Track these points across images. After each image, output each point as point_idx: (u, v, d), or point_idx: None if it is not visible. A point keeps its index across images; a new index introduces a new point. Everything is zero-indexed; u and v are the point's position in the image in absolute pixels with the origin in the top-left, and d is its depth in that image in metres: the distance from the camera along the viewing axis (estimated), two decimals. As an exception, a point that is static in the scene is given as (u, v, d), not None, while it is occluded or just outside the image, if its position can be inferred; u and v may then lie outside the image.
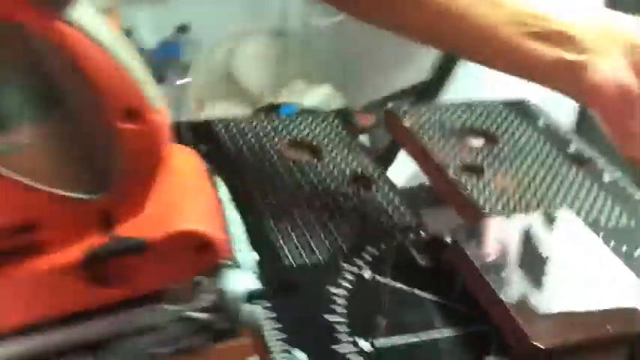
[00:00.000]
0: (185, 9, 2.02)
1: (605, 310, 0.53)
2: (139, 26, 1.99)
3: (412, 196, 0.75)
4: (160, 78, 2.08)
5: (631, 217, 0.69)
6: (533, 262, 0.56)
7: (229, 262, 0.47)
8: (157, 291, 0.46)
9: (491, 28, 0.60)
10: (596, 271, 0.56)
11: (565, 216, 0.61)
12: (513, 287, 0.54)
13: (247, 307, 0.47)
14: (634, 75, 0.60)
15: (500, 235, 0.59)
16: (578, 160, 0.76)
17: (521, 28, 0.60)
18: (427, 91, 1.27)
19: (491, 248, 0.57)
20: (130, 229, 0.45)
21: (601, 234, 0.66)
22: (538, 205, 0.68)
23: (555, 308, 0.53)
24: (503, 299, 0.52)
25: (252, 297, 0.47)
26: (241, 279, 0.47)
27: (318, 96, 1.54)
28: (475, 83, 1.12)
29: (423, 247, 0.61)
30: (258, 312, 0.48)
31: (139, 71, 0.43)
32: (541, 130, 0.80)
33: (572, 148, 0.78)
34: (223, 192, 0.53)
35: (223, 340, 0.47)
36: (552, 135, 0.80)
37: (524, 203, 0.69)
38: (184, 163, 0.51)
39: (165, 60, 2.05)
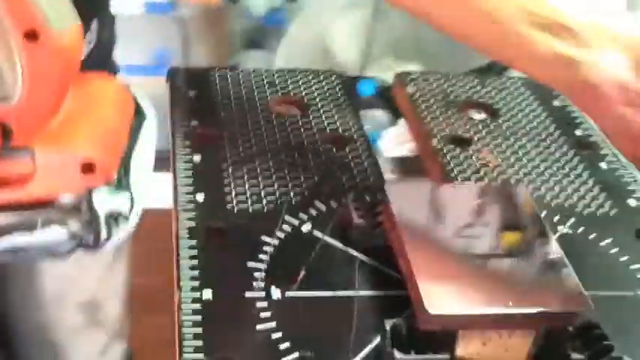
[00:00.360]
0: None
1: (521, 289, 0.50)
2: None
3: (397, 162, 0.73)
4: (261, 45, 2.11)
5: (614, 206, 0.65)
6: (459, 232, 0.54)
7: (113, 187, 0.48)
8: (45, 199, 0.48)
9: (492, 13, 0.57)
10: (525, 249, 0.53)
11: (518, 191, 0.58)
12: (429, 253, 0.52)
13: (114, 230, 0.48)
14: (636, 74, 0.55)
15: (438, 200, 0.57)
16: (581, 144, 0.72)
17: (522, 15, 0.56)
18: (494, 67, 1.24)
19: (423, 212, 0.55)
20: (25, 140, 0.47)
21: (572, 219, 0.63)
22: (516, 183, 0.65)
23: (467, 280, 0.50)
24: (413, 263, 0.51)
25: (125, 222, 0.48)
26: (119, 204, 0.48)
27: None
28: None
29: (366, 208, 0.59)
30: (122, 236, 0.49)
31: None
32: (551, 110, 0.76)
33: (578, 132, 0.74)
34: (148, 133, 0.55)
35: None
36: (562, 116, 0.76)
37: (499, 180, 0.66)
38: (108, 95, 0.54)
39: (270, 28, 2.07)
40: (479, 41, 0.60)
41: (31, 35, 0.46)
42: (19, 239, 0.51)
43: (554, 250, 0.53)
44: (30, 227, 0.50)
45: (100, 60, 0.82)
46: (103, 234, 0.52)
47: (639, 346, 0.53)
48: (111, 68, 0.90)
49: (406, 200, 0.56)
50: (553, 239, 0.54)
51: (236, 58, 2.05)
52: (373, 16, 1.82)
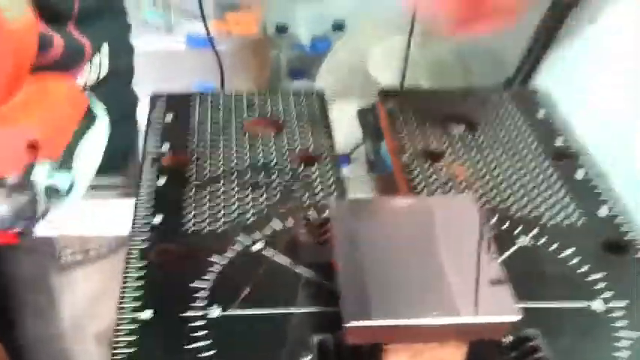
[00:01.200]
0: (342, 4, 2.06)
1: (452, 300, 0.49)
2: (298, 24, 2.05)
3: (374, 180, 0.73)
4: (304, 74, 2.13)
5: (583, 217, 0.63)
6: (395, 246, 0.53)
7: (54, 164, 0.57)
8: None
9: None
10: (458, 263, 0.52)
11: (464, 202, 0.57)
12: (360, 268, 0.51)
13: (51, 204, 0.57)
14: None
15: (382, 215, 0.56)
16: (559, 155, 0.70)
17: None
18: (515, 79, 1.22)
19: (363, 228, 0.55)
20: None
21: (535, 230, 0.61)
22: (480, 197, 0.64)
23: (396, 292, 0.50)
24: (341, 277, 0.50)
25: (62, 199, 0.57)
26: (58, 180, 0.57)
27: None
28: (572, 67, 1.05)
29: (318, 226, 0.59)
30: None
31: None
32: (534, 123, 0.75)
33: (558, 142, 0.72)
34: (97, 133, 0.63)
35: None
36: (543, 128, 0.74)
37: (465, 192, 0.65)
38: (60, 90, 0.62)
39: (314, 56, 2.09)
40: None
41: None
42: None
43: (491, 261, 0.52)
44: None
45: (117, 89, 0.85)
46: (41, 207, 0.57)
47: (582, 357, 0.51)
48: (129, 98, 0.92)
49: (348, 217, 0.56)
50: (493, 251, 0.52)
51: (279, 89, 2.07)
52: (412, 40, 1.83)
